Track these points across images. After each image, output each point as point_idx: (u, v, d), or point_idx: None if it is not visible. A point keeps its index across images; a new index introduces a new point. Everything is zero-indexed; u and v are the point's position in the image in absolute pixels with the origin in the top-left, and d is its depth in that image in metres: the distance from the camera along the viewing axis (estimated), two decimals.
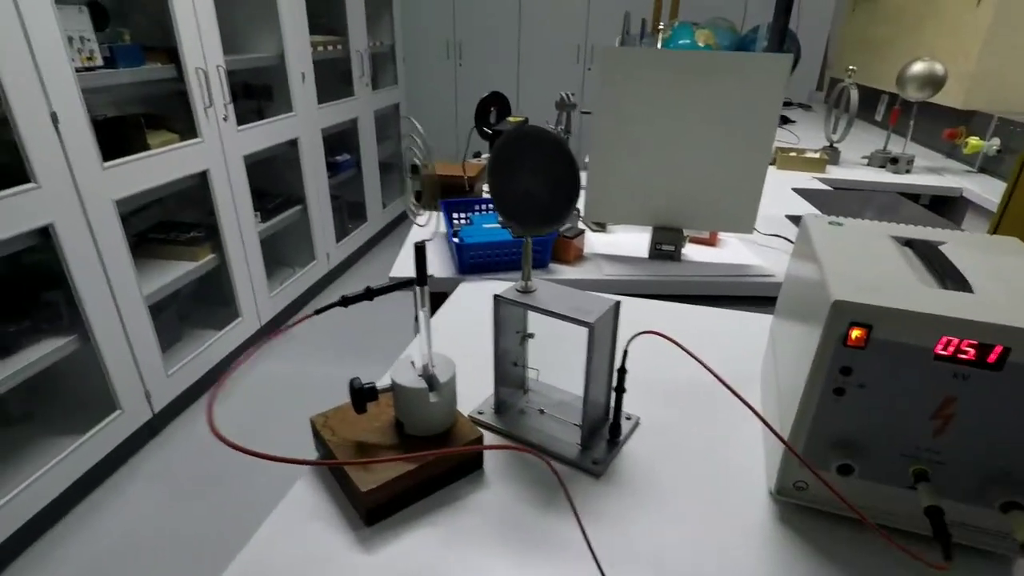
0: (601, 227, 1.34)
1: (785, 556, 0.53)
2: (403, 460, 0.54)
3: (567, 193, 0.56)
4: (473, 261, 1.08)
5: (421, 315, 0.55)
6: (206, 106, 2.11)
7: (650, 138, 1.10)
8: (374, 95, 3.67)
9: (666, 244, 1.16)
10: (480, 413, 0.68)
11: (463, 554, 0.52)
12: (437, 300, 1.01)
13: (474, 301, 0.98)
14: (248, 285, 2.48)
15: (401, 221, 4.27)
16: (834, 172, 2.02)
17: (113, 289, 1.76)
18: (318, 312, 0.52)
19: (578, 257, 1.18)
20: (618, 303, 0.60)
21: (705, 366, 0.55)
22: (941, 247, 0.59)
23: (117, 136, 1.81)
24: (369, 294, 0.51)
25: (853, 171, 2.05)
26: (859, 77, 3.30)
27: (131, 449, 1.97)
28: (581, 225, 1.27)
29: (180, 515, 1.74)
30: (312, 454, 0.60)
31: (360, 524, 0.54)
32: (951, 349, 0.46)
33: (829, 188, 1.82)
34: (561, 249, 1.14)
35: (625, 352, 0.59)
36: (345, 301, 0.50)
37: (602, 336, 0.58)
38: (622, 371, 0.60)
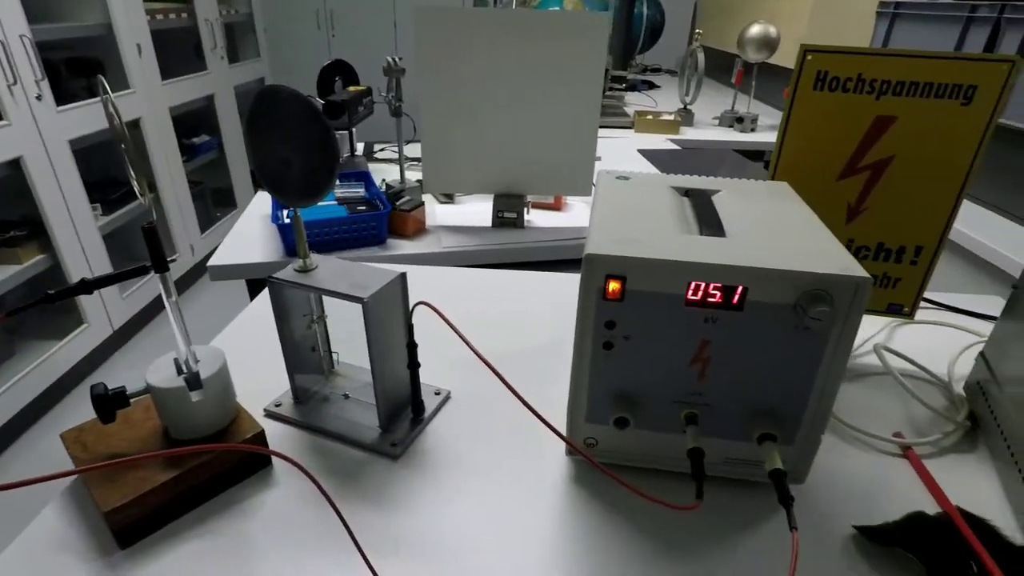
0: (449, 198, 1.30)
1: (577, 515, 0.53)
2: (152, 470, 0.49)
3: (324, 161, 0.52)
4: None
5: (168, 305, 0.49)
6: (10, 83, 1.85)
7: (480, 102, 1.07)
8: (232, 69, 3.40)
9: (508, 211, 1.14)
10: (277, 406, 0.63)
11: (242, 562, 0.48)
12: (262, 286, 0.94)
13: None
14: None
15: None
16: (688, 133, 2.10)
17: None
18: (10, 314, 0.45)
19: (419, 231, 1.14)
20: (403, 275, 0.57)
21: (464, 339, 0.53)
22: (714, 196, 0.61)
23: None
24: (85, 287, 0.45)
25: (705, 131, 2.13)
26: (715, 41, 3.45)
27: None
28: (425, 197, 1.23)
29: None
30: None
31: (114, 547, 0.48)
32: (700, 294, 0.47)
33: (678, 148, 1.89)
34: (398, 223, 1.10)
35: (411, 326, 0.57)
36: (51, 297, 0.44)
37: (381, 312, 0.55)
38: (411, 345, 0.58)
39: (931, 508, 0.54)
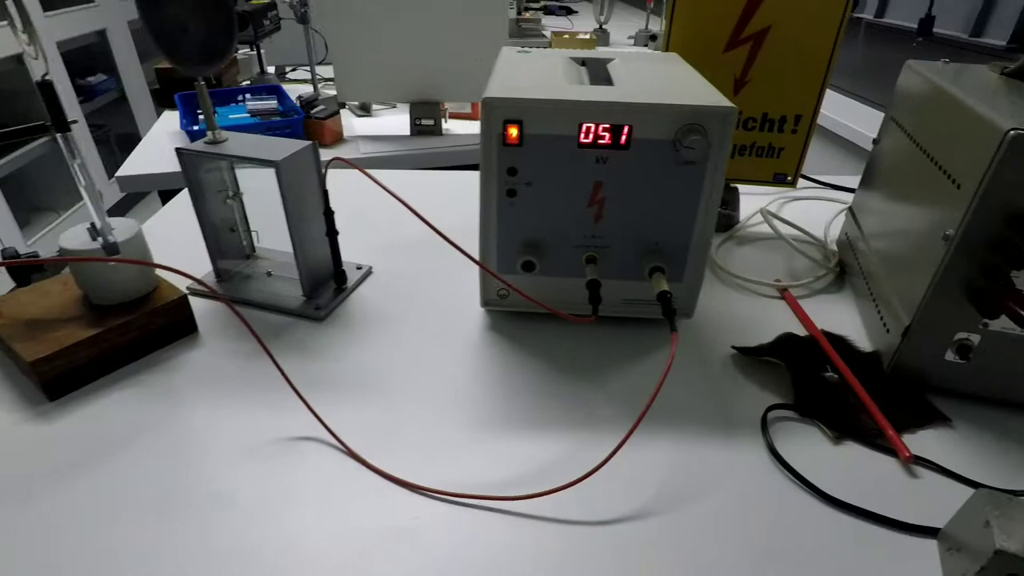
0: (366, 111, 1.29)
1: (494, 357, 0.58)
2: (74, 329, 0.50)
3: (220, 22, 0.52)
4: None
5: (75, 168, 0.49)
6: None
7: (390, 9, 1.06)
8: (126, 3, 3.14)
9: (424, 118, 1.15)
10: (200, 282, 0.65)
11: (170, 407, 0.50)
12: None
13: None
14: None
15: None
16: (604, 52, 2.13)
17: None
18: None
19: (337, 140, 1.13)
20: (313, 144, 0.59)
21: (402, 201, 0.56)
22: (608, 63, 0.65)
23: None
24: None
25: (621, 50, 2.17)
26: None
27: None
28: (343, 112, 1.22)
29: None
30: None
31: (43, 399, 0.50)
32: (591, 136, 0.51)
33: None
34: (314, 131, 1.09)
35: (325, 192, 0.59)
36: None
37: (294, 177, 0.57)
38: (328, 213, 0.60)
39: (801, 334, 0.62)
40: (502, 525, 0.41)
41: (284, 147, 0.57)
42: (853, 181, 0.96)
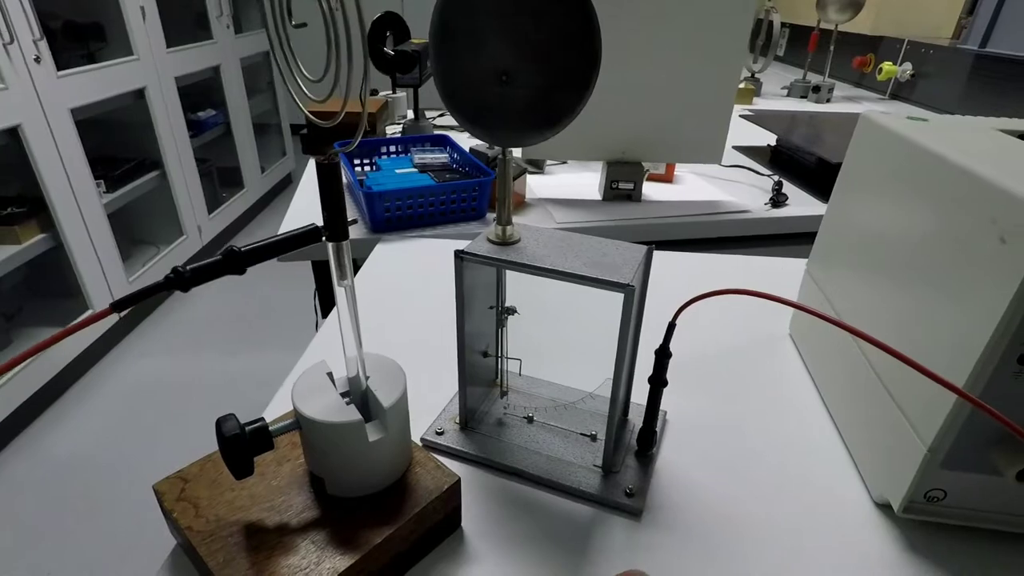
0: (537, 167, 1.11)
1: None
2: (310, 555, 0.31)
3: (578, 66, 0.33)
4: (390, 215, 0.82)
5: (341, 295, 0.31)
6: (6, 42, 1.62)
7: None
8: (238, 40, 3.17)
9: (624, 182, 0.96)
10: (439, 433, 0.45)
11: None
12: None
13: (397, 266, 0.73)
14: (97, 269, 2.03)
15: (284, 187, 3.81)
16: (758, 103, 1.91)
17: None
18: (120, 307, 0.26)
19: (520, 204, 0.95)
20: (650, 250, 0.39)
21: (888, 348, 0.35)
22: None
23: None
24: (234, 263, 0.26)
25: (776, 102, 1.95)
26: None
27: None
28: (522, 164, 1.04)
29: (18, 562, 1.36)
30: (158, 530, 0.35)
31: None
32: None
33: (751, 114, 1.70)
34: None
35: (672, 325, 0.38)
36: (179, 282, 0.25)
37: (637, 302, 0.37)
38: (663, 354, 0.39)
39: None
40: None
41: (616, 256, 0.37)
42: None
